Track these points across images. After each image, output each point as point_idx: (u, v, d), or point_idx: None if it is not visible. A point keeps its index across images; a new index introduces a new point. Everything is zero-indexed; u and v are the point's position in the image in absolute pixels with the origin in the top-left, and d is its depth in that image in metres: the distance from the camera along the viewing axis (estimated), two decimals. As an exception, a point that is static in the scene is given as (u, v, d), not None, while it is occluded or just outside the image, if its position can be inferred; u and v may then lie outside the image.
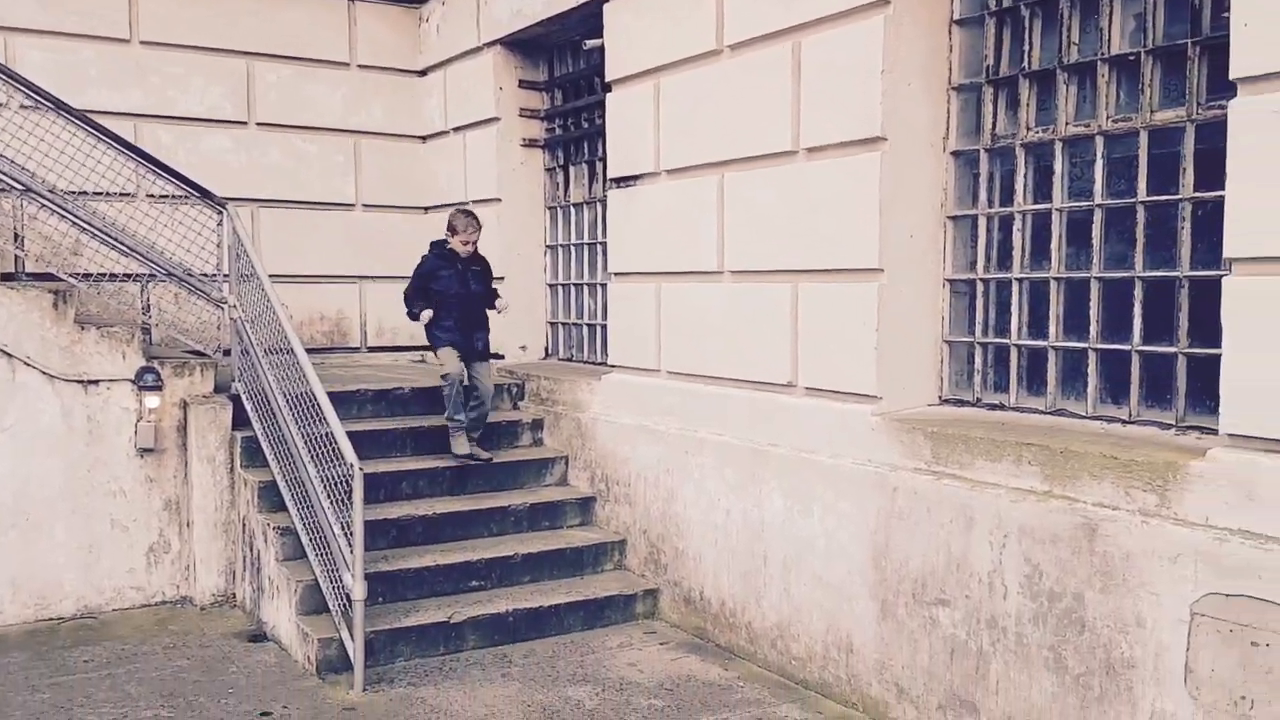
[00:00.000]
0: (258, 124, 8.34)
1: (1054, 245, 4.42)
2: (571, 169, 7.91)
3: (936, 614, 4.44)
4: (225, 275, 6.75)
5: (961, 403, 4.85)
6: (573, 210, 7.91)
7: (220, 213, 6.79)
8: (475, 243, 6.53)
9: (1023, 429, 4.30)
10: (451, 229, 6.52)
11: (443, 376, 6.51)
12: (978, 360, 4.80)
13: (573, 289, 7.94)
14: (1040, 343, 4.51)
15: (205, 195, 6.79)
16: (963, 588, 4.31)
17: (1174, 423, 3.96)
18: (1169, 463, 3.60)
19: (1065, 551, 3.89)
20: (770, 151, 5.31)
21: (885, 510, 4.66)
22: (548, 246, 8.23)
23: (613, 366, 6.80)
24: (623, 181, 6.54)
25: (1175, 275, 3.95)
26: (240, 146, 8.27)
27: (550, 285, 8.23)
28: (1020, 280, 4.59)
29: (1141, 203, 4.06)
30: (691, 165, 5.90)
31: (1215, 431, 3.59)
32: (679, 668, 5.42)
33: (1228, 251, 3.44)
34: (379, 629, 5.34)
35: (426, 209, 8.98)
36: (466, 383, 6.53)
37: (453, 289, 6.48)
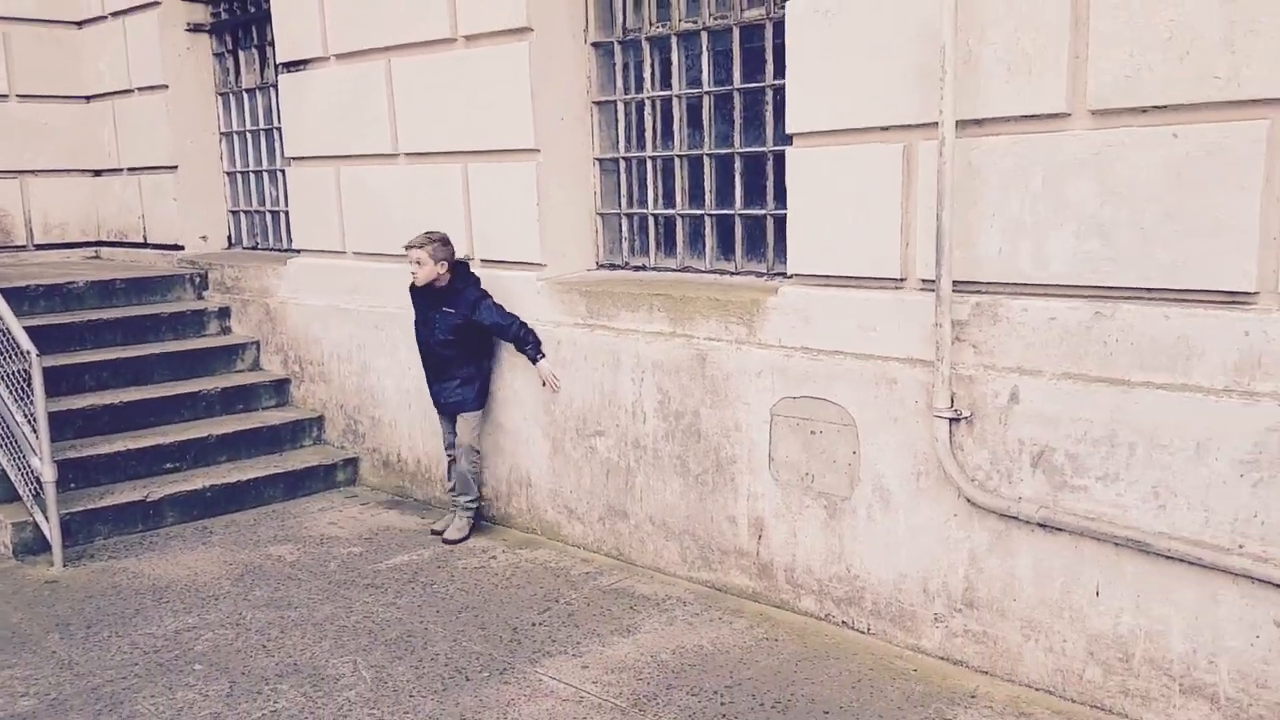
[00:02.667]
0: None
1: (676, 127, 5.19)
2: (241, 54, 7.84)
3: (595, 443, 5.24)
4: None
5: (614, 266, 5.60)
6: (246, 96, 7.87)
7: None
8: (430, 273, 5.26)
9: (656, 284, 5.11)
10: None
11: None
12: (624, 229, 5.54)
13: (252, 176, 7.96)
14: (670, 211, 5.30)
15: None
16: (613, 418, 5.13)
17: (765, 271, 4.89)
18: (754, 300, 4.51)
19: (685, 379, 4.76)
20: (432, 39, 5.69)
21: (552, 361, 5.35)
22: (222, 134, 8.15)
23: (298, 251, 7.02)
24: (292, 66, 6.66)
25: (763, 150, 4.82)
26: None
27: (228, 173, 8.18)
28: (653, 158, 5.33)
29: (737, 89, 4.87)
30: (359, 50, 6.16)
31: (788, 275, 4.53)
32: (378, 521, 5.95)
33: (789, 128, 4.30)
34: (74, 510, 5.46)
35: (89, 98, 8.56)
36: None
37: (419, 329, 5.53)
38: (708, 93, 5.01)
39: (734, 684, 3.89)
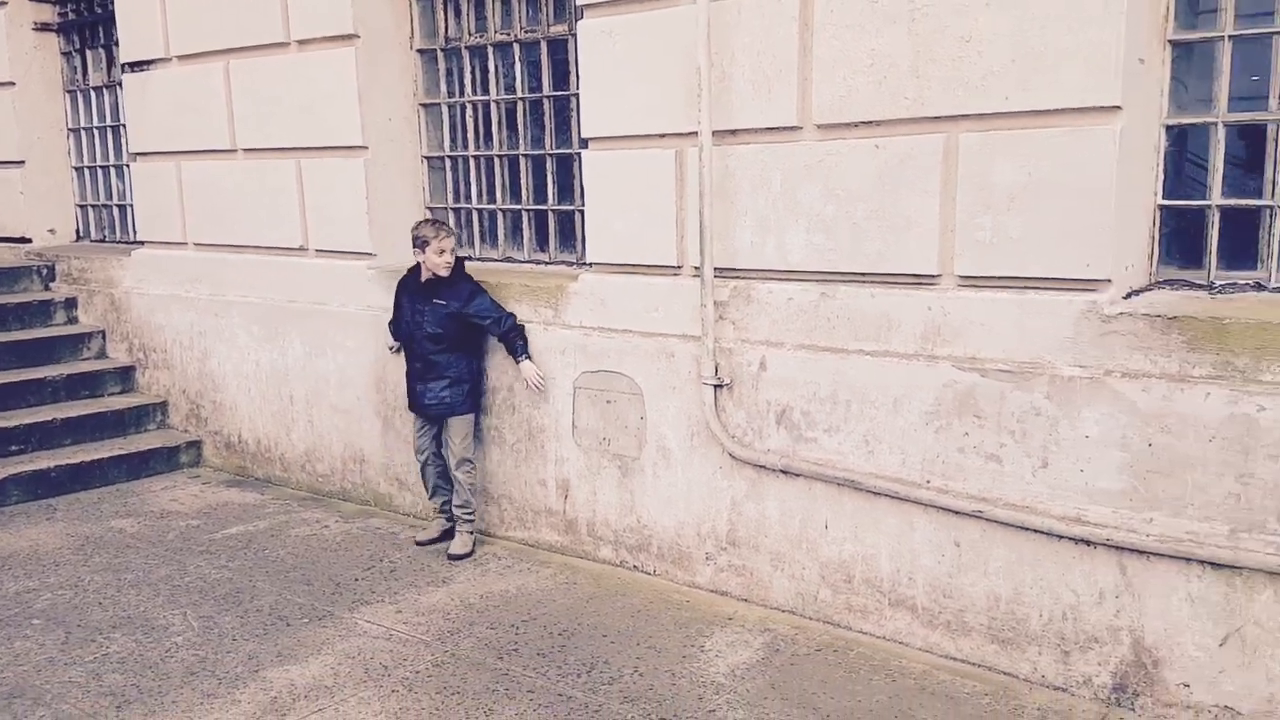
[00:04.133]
0: None
1: (495, 129, 5.71)
2: (89, 53, 8.01)
3: (420, 419, 5.71)
4: None
5: (441, 256, 6.07)
6: (93, 94, 8.04)
7: None
8: (445, 263, 5.04)
9: (478, 272, 5.60)
10: (420, 242, 5.04)
11: None
12: (452, 222, 6.03)
13: (99, 171, 8.13)
14: (493, 206, 5.82)
15: None
16: (437, 395, 5.61)
17: (575, 260, 5.45)
18: (559, 286, 5.08)
19: (499, 357, 5.29)
20: (268, 42, 6.07)
21: (383, 344, 5.81)
22: (70, 130, 8.29)
23: (142, 243, 7.27)
24: (136, 66, 6.92)
25: (571, 151, 5.38)
26: None
27: (76, 168, 8.32)
28: (475, 157, 5.84)
29: (547, 96, 5.43)
30: (200, 52, 6.48)
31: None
32: (218, 498, 6.29)
33: (583, 133, 4.88)
34: (-88, 491, 5.65)
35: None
36: (435, 454, 5.31)
37: (403, 324, 5.28)
38: (521, 98, 5.55)
39: (530, 619, 4.44)
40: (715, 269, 4.46)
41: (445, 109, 5.91)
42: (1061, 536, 3.67)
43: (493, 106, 5.69)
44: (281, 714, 3.68)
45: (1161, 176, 3.69)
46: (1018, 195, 3.68)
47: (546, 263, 5.59)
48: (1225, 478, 3.33)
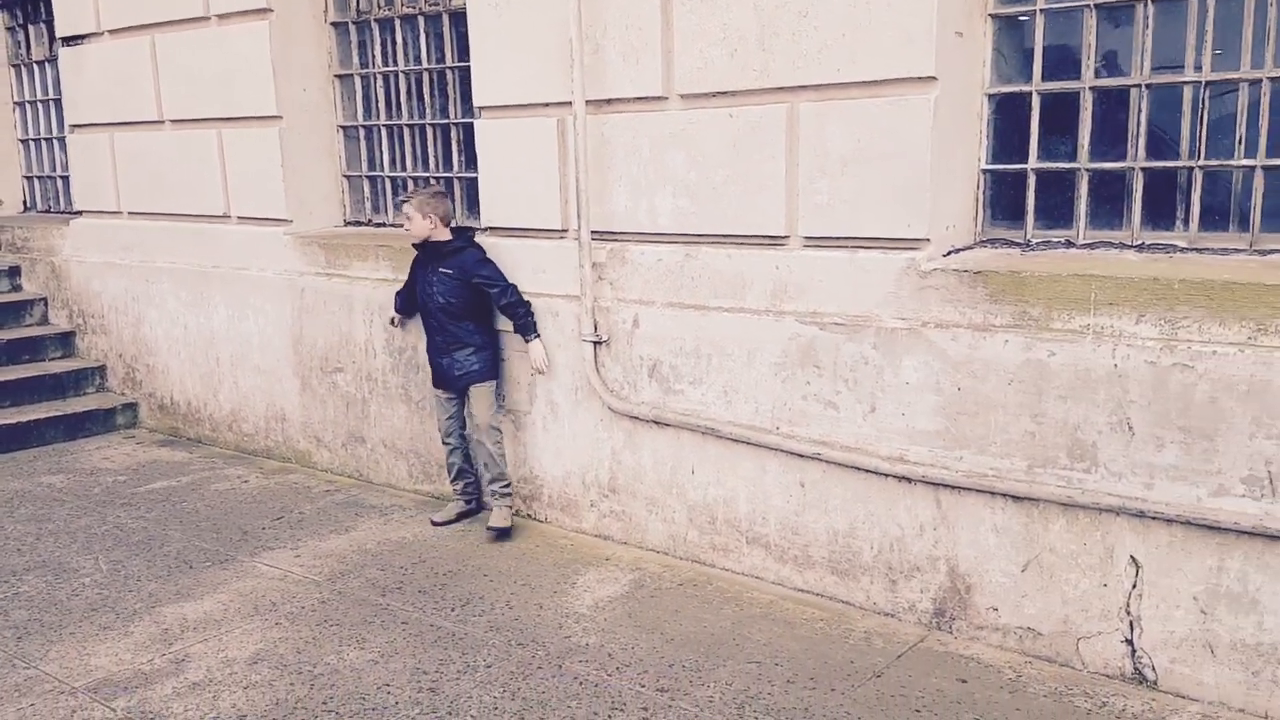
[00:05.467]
0: None
1: (403, 98, 5.95)
2: (31, 29, 8.22)
3: (336, 379, 6.00)
4: None
5: (359, 223, 6.33)
6: (36, 68, 8.26)
7: None
8: (422, 229, 4.93)
9: (383, 237, 5.87)
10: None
11: None
12: (367, 189, 6.28)
13: (44, 143, 8.35)
14: (403, 174, 6.06)
15: None
16: (350, 356, 5.89)
17: (476, 225, 5.71)
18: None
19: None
20: (190, 17, 6.29)
21: (298, 307, 6.07)
22: (15, 103, 8.50)
23: (80, 212, 7.50)
24: (71, 40, 7.13)
25: (474, 121, 5.62)
26: None
27: (22, 141, 8.54)
28: (386, 126, 6.08)
29: (450, 67, 5.67)
30: (129, 26, 6.69)
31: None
32: (149, 456, 6.57)
33: (475, 102, 5.13)
34: None
35: None
36: (459, 434, 5.14)
37: (418, 296, 5.11)
38: (427, 69, 5.79)
39: (420, 561, 4.74)
40: (593, 232, 4.73)
41: (358, 80, 6.15)
42: (887, 475, 3.98)
43: (400, 77, 5.93)
44: (169, 644, 3.98)
45: (986, 142, 3.97)
46: (850, 161, 3.95)
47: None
48: (1022, 418, 3.63)
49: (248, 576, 4.61)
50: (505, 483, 5.04)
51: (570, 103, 4.70)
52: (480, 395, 4.99)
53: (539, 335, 4.90)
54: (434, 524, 5.18)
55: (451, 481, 5.27)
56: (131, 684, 3.68)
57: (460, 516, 5.23)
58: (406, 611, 4.21)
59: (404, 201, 4.98)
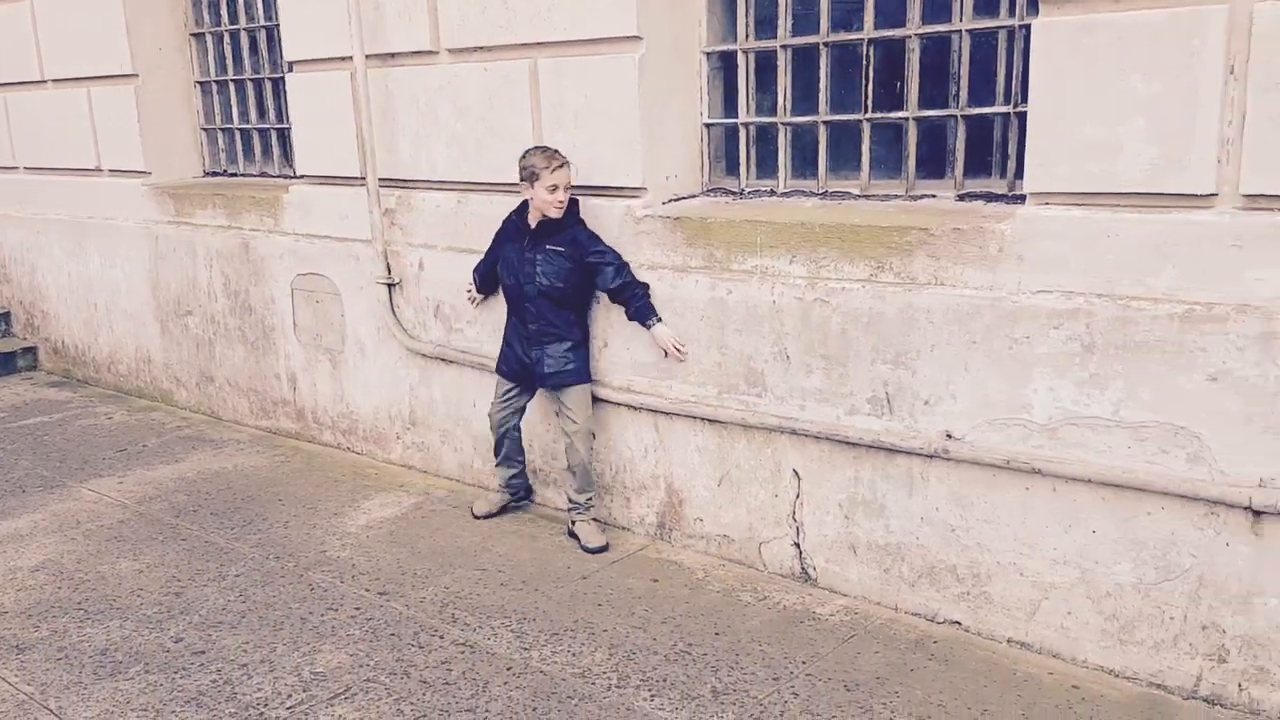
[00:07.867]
0: None
1: (247, 55, 6.25)
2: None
3: (188, 322, 6.38)
4: None
5: (216, 174, 6.67)
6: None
7: None
8: (562, 201, 4.09)
9: (231, 186, 6.21)
10: (528, 174, 4.10)
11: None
12: (221, 141, 6.61)
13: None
14: (249, 126, 6.38)
15: None
16: (197, 300, 6.27)
17: (292, 174, 6.04)
18: (276, 198, 5.69)
19: (238, 264, 5.93)
20: None
21: (154, 254, 6.45)
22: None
23: (-22, 166, 7.87)
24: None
25: (300, 76, 5.93)
26: None
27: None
28: (234, 81, 6.39)
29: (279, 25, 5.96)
30: (2, -13, 7.00)
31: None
32: (37, 395, 7.00)
33: (286, 56, 5.43)
34: None
35: None
36: (515, 427, 4.55)
37: (508, 276, 4.33)
38: (264, 26, 6.09)
39: (226, 487, 5.16)
40: (384, 179, 5.06)
41: (210, 38, 6.45)
42: (618, 404, 4.33)
43: (243, 35, 6.23)
44: (-31, 556, 4.42)
45: (706, 98, 4.26)
46: (581, 114, 4.25)
47: (291, 176, 6.18)
48: (712, 350, 3.97)
49: (68, 500, 5.04)
50: (589, 494, 4.37)
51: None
52: (577, 397, 4.26)
53: (661, 319, 4.07)
54: (475, 517, 4.65)
55: (498, 465, 4.63)
56: (-77, 590, 4.12)
57: (502, 510, 4.69)
58: (190, 530, 4.63)
59: (561, 166, 4.07)
